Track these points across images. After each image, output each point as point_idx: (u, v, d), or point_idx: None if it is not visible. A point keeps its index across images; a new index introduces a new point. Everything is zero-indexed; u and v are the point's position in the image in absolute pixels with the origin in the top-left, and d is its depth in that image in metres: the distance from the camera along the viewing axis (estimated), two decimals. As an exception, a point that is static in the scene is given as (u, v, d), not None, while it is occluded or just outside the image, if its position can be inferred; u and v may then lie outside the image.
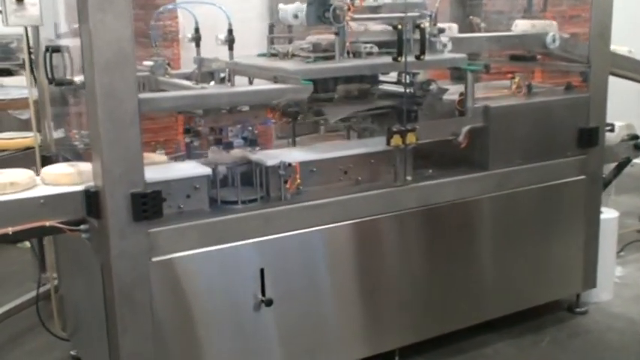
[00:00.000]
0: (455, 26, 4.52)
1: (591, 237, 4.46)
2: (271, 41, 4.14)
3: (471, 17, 4.89)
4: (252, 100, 3.33)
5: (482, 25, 4.87)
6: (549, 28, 4.46)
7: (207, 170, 3.36)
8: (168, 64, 3.94)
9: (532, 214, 4.21)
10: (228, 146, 3.39)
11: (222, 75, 3.69)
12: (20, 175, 3.20)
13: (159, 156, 3.72)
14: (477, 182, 3.97)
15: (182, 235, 3.19)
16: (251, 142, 3.45)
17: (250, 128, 3.65)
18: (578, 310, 4.61)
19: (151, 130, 5.40)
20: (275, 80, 3.49)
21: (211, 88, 3.41)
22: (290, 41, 4.18)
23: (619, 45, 5.49)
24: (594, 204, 4.44)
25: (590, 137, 4.28)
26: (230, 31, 3.35)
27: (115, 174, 2.97)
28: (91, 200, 3.07)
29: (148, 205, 3.03)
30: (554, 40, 4.48)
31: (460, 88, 4.06)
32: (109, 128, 2.93)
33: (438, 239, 3.91)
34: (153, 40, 3.91)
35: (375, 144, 3.76)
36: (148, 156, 3.66)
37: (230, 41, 3.35)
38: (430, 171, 3.96)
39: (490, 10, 5.31)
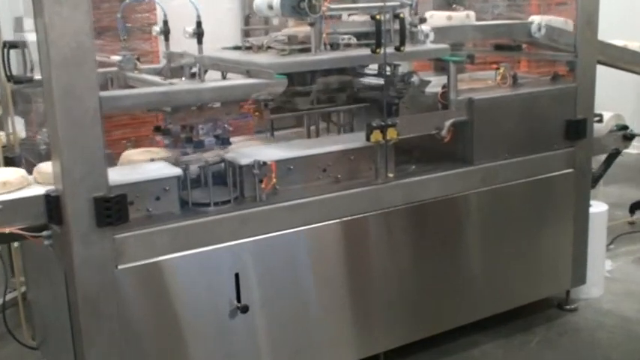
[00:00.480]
0: (472, 14, 4.34)
1: (580, 232, 4.32)
2: (246, 34, 3.97)
3: (454, 5, 4.71)
4: (222, 97, 3.15)
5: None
6: (467, 20, 4.28)
7: (177, 171, 3.18)
8: (138, 59, 3.76)
9: (519, 209, 4.06)
10: (199, 145, 3.21)
11: (193, 70, 3.52)
12: (12, 173, 3.02)
13: (142, 153, 3.49)
14: (461, 178, 3.81)
15: (151, 241, 3.01)
16: (223, 141, 3.27)
17: (225, 126, 3.47)
18: (567, 307, 4.48)
19: (132, 124, 5.22)
20: (248, 74, 3.31)
21: (179, 84, 3.22)
22: (266, 33, 4.02)
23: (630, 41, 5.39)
24: (583, 198, 4.29)
25: (577, 129, 4.13)
26: (199, 24, 3.17)
27: (76, 177, 2.79)
28: (52, 205, 2.89)
29: (112, 209, 2.85)
30: (539, 29, 4.33)
31: (443, 79, 3.90)
32: (67, 128, 2.75)
33: (423, 238, 3.76)
34: (121, 33, 3.72)
35: (355, 139, 3.59)
36: (130, 156, 3.49)
37: (198, 34, 3.16)
38: (413, 167, 3.80)
39: (474, -1, 5.15)
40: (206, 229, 3.14)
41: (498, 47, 4.62)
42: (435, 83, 3.99)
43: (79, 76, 2.71)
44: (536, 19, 4.39)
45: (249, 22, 3.99)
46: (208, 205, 3.20)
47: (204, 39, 3.25)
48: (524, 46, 4.59)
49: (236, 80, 3.28)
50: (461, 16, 4.26)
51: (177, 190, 3.17)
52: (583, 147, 4.20)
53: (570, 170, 4.19)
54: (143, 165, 3.30)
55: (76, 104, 2.73)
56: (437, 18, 4.26)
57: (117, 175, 3.01)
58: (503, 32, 4.31)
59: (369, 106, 3.85)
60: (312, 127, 3.97)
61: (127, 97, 2.95)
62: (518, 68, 5.31)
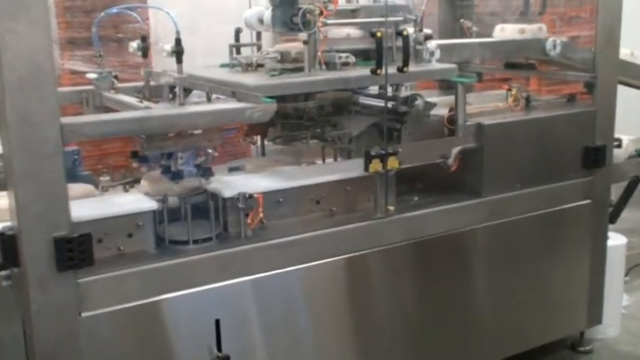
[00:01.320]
0: (544, 27, 4.01)
1: (597, 268, 3.99)
2: (237, 50, 3.64)
3: (461, 20, 4.39)
4: (201, 124, 2.80)
5: (475, 29, 4.36)
6: (539, 33, 3.96)
7: (152, 204, 2.85)
8: (116, 77, 3.43)
9: (531, 244, 3.72)
10: (177, 176, 2.87)
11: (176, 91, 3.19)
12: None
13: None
14: (469, 211, 3.47)
15: (120, 285, 2.68)
16: (205, 171, 2.93)
17: (209, 151, 3.15)
18: (582, 348, 4.15)
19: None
20: (234, 96, 2.98)
21: (154, 108, 2.88)
22: (259, 49, 3.69)
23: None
24: (601, 231, 3.96)
25: (596, 157, 3.80)
26: (178, 42, 2.83)
27: (33, 214, 2.45)
28: (7, 245, 2.56)
29: (75, 251, 2.51)
30: (554, 46, 4.00)
31: (449, 99, 3.56)
32: (24, 159, 2.42)
33: (426, 276, 3.41)
34: (96, 48, 3.39)
35: (352, 168, 3.26)
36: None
37: (177, 53, 2.83)
38: (416, 198, 3.47)
39: (482, 12, 4.82)
40: (184, 271, 2.80)
41: (509, 65, 4.28)
42: (441, 103, 3.66)
43: (37, 101, 2.38)
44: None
45: (239, 37, 3.64)
46: (187, 243, 2.87)
47: (196, 54, 2.94)
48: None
49: (217, 105, 2.95)
50: (533, 30, 3.93)
51: (152, 225, 2.84)
52: (602, 176, 3.86)
53: (587, 201, 3.85)
54: (114, 197, 2.97)
55: (34, 132, 2.40)
56: (509, 32, 3.94)
57: (83, 210, 2.68)
58: (515, 50, 3.97)
59: (370, 128, 3.52)
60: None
61: (91, 125, 2.60)
62: (527, 86, 4.98)
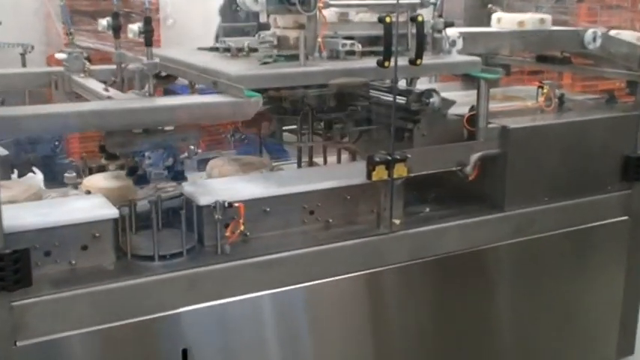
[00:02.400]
0: (549, 18, 3.50)
1: (632, 293, 3.51)
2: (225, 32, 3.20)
3: (490, 6, 3.88)
4: (167, 120, 2.35)
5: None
6: (543, 25, 3.45)
7: (112, 211, 2.42)
8: (87, 58, 2.99)
9: (558, 265, 3.25)
10: (142, 181, 2.43)
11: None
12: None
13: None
14: (488, 227, 3.00)
15: (67, 308, 2.25)
16: (176, 175, 2.48)
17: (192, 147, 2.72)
18: (610, 381, 3.66)
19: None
20: (215, 87, 2.53)
21: (119, 99, 2.42)
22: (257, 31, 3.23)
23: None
24: (638, 252, 3.46)
25: (638, 168, 3.31)
26: (147, 21, 2.38)
27: (-44, 225, 2.03)
28: None
29: (7, 270, 2.08)
30: (594, 39, 3.49)
31: (471, 96, 3.09)
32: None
33: (439, 301, 2.96)
34: (67, 24, 2.96)
35: (353, 173, 2.80)
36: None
37: (146, 33, 2.38)
38: (427, 210, 3.01)
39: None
40: (147, 292, 2.37)
41: (542, 59, 3.78)
42: (462, 100, 3.19)
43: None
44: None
45: (225, 15, 3.17)
46: (152, 258, 2.43)
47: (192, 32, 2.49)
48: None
49: (187, 98, 2.49)
50: (534, 21, 3.43)
51: (111, 237, 2.41)
52: (642, 190, 3.38)
53: (625, 218, 3.37)
54: (71, 201, 2.54)
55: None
56: (506, 22, 3.45)
57: (26, 216, 2.26)
58: (549, 41, 3.47)
59: (379, 126, 3.07)
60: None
61: (29, 119, 2.15)
62: (560, 82, 4.48)
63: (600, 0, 5.13)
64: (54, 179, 3.17)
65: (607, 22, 4.93)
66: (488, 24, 4.03)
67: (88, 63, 2.97)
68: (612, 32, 3.50)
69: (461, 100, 3.36)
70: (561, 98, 3.40)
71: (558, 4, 3.82)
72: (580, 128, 3.19)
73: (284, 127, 3.19)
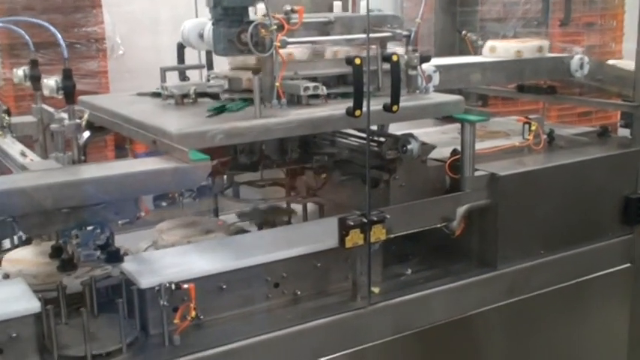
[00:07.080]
0: (546, 44, 3.18)
1: (637, 343, 3.15)
2: (180, 74, 2.79)
3: (464, 33, 3.53)
4: (90, 196, 1.90)
5: (480, 42, 3.49)
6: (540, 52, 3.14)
7: (33, 305, 1.98)
8: (7, 111, 2.55)
9: (557, 322, 2.89)
10: (68, 266, 2.00)
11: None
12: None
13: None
14: (480, 288, 2.63)
15: None
16: (111, 256, 2.05)
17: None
18: None
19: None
20: (154, 146, 2.12)
21: (29, 172, 1.98)
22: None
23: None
24: (642, 300, 3.12)
25: (639, 209, 2.96)
26: (66, 73, 1.95)
27: None
28: None
29: None
30: (581, 66, 3.17)
31: (448, 132, 2.72)
32: None
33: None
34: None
35: (323, 233, 2.40)
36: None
37: (66, 89, 1.95)
38: (409, 271, 2.62)
39: (487, 19, 3.96)
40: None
41: (523, 88, 3.44)
42: (437, 138, 2.84)
43: None
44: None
45: (183, 53, 2.78)
46: (84, 359, 2.00)
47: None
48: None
49: (120, 166, 2.03)
50: (531, 49, 3.09)
51: (33, 335, 1.98)
52: (645, 233, 3.04)
53: (627, 265, 3.03)
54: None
55: None
56: (502, 51, 3.10)
57: None
58: (534, 71, 3.13)
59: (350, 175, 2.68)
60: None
61: None
62: (547, 115, 4.10)
63: (576, 18, 4.81)
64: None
65: (581, 43, 4.62)
66: (461, 50, 3.71)
67: (7, 117, 2.53)
68: (610, 62, 3.17)
69: (437, 137, 3.02)
70: (551, 134, 3.05)
71: (537, 28, 3.48)
72: (575, 170, 2.84)
73: (240, 181, 2.80)
